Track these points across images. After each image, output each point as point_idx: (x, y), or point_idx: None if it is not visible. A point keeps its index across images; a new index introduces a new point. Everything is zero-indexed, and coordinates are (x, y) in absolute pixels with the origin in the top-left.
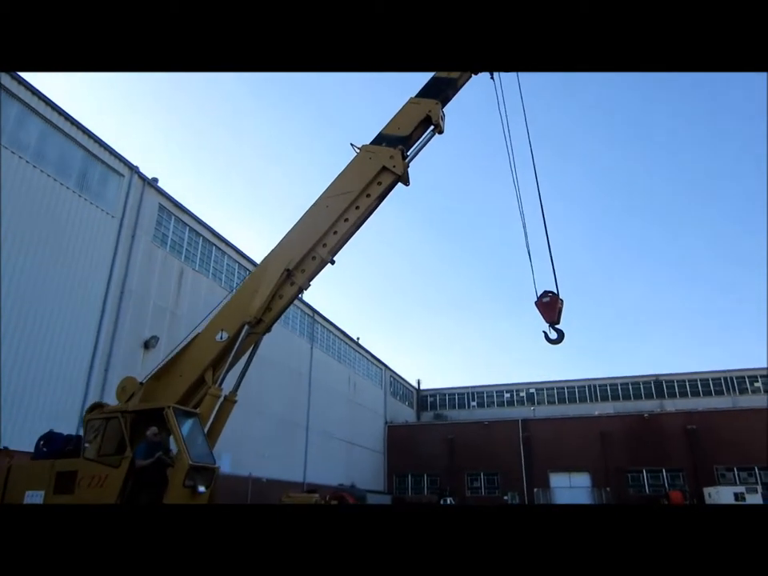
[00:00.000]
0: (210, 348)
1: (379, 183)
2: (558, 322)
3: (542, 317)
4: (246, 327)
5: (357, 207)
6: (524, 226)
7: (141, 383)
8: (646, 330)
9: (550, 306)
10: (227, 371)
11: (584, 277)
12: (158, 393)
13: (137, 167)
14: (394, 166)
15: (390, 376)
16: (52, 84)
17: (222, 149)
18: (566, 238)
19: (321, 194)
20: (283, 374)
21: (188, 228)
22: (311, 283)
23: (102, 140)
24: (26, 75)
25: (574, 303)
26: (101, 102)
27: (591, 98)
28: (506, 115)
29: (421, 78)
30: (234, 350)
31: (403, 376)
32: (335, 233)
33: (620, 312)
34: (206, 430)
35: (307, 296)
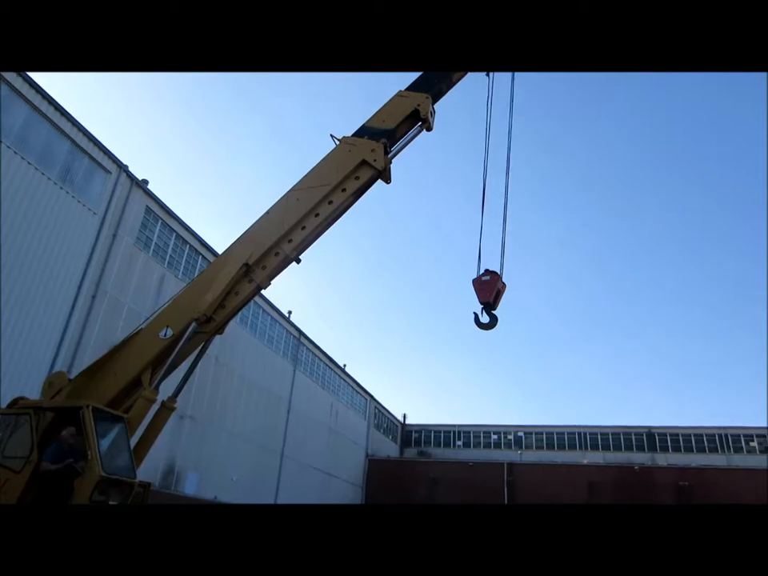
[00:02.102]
0: (152, 345)
1: (357, 178)
2: (493, 306)
3: (476, 296)
4: (194, 325)
5: (330, 202)
6: (483, 192)
7: (71, 380)
8: (639, 381)
9: (487, 285)
10: (167, 373)
11: (580, 322)
12: (88, 391)
13: (126, 165)
14: (375, 161)
15: (375, 407)
16: (49, 77)
17: (221, 159)
18: (558, 275)
19: (293, 185)
20: (262, 396)
21: (175, 234)
22: (272, 282)
23: (90, 133)
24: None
25: (568, 348)
26: (101, 99)
27: (584, 104)
28: (490, 115)
29: None
30: (177, 349)
31: (389, 409)
32: (303, 228)
33: (613, 360)
34: (134, 438)
35: (295, 317)
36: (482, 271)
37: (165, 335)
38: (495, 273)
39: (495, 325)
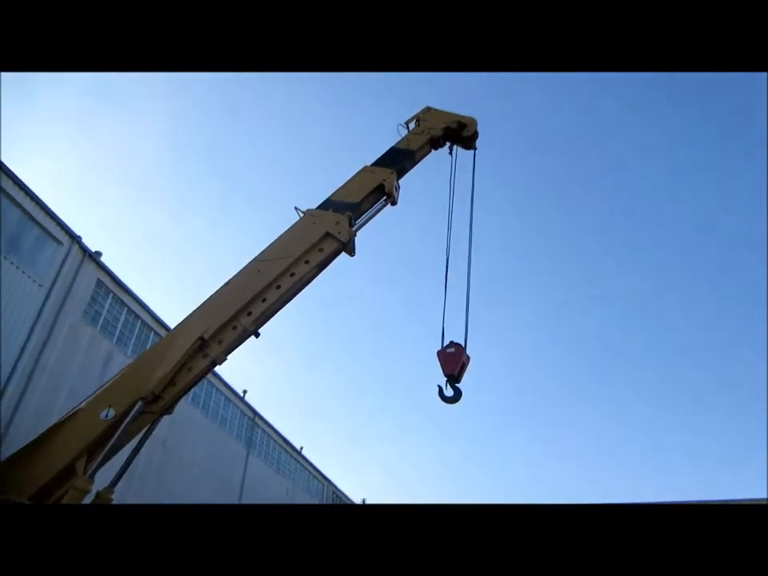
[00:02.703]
0: (90, 427)
1: (321, 250)
2: (458, 379)
3: (441, 368)
4: (140, 404)
5: (292, 274)
6: (447, 265)
7: None
8: (620, 460)
9: (451, 358)
10: (106, 459)
11: (562, 405)
12: (13, 481)
13: (79, 237)
14: (339, 233)
15: (333, 492)
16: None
17: (187, 229)
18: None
19: (254, 256)
20: (213, 483)
21: (126, 308)
22: (228, 357)
23: (43, 202)
24: None
25: (549, 428)
26: (69, 166)
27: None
28: (453, 193)
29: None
30: (119, 431)
31: (347, 493)
32: (264, 300)
33: (595, 439)
34: None
35: (250, 397)
36: (446, 343)
37: (106, 416)
38: (460, 345)
39: (459, 398)
